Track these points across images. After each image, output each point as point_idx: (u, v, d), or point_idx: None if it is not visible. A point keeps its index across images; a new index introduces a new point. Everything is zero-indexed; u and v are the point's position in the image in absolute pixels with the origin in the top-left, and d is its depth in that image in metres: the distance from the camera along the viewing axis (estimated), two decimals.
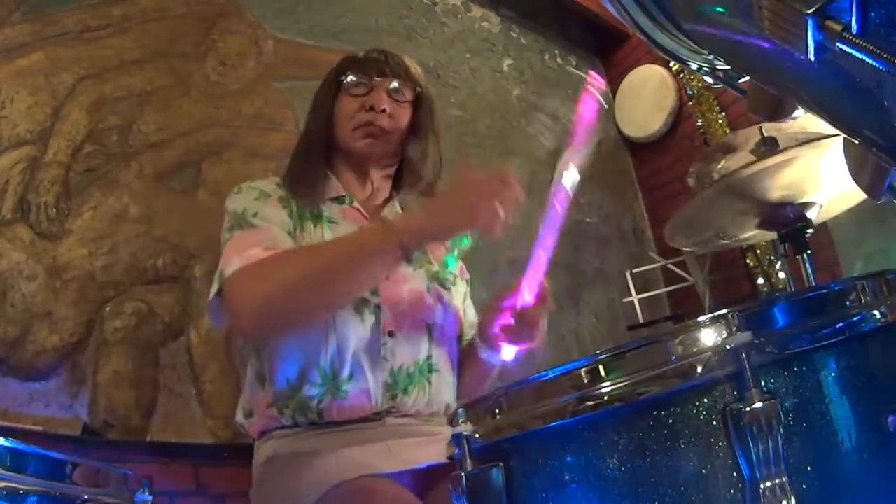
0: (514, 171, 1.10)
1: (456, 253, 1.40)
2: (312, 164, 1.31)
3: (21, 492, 0.74)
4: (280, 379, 1.17)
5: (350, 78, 1.31)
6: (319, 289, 1.08)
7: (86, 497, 0.83)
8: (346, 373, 1.16)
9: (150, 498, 0.95)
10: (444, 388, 1.27)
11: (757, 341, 0.60)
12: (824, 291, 0.69)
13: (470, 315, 1.42)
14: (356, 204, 1.32)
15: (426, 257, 1.35)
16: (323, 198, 1.29)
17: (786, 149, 1.45)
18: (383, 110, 1.28)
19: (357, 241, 1.14)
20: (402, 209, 1.39)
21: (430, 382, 1.23)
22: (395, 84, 1.32)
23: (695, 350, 0.62)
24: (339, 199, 1.31)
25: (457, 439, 0.73)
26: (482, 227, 1.07)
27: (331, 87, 1.34)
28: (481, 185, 1.09)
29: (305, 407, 1.15)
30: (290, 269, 1.09)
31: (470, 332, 1.37)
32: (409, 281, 1.28)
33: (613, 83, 3.24)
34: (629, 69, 3.15)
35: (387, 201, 1.39)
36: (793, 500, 0.56)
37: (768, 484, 0.56)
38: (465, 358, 1.35)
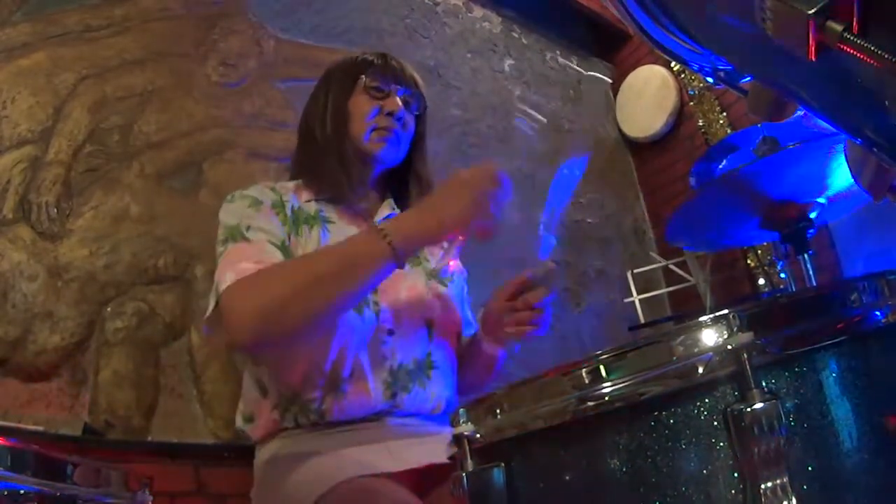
0: (499, 167, 1.10)
1: (451, 251, 1.40)
2: (338, 159, 1.29)
3: (22, 492, 0.75)
4: (282, 384, 1.17)
5: (369, 79, 1.31)
6: (312, 300, 1.05)
7: (87, 497, 0.83)
8: (346, 372, 1.16)
9: (150, 498, 0.95)
10: (443, 385, 1.27)
11: (758, 342, 0.60)
12: (825, 292, 0.70)
13: (468, 311, 1.42)
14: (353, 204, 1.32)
15: (423, 255, 1.35)
16: (353, 190, 1.29)
17: (787, 148, 1.45)
18: (400, 117, 1.29)
19: (348, 249, 1.11)
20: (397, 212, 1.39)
21: (429, 378, 1.24)
22: (409, 95, 1.33)
23: (696, 350, 0.62)
24: (334, 199, 1.31)
25: (458, 439, 0.73)
26: (475, 224, 1.07)
27: (345, 84, 1.33)
28: (468, 181, 1.08)
29: (307, 408, 1.15)
30: (283, 281, 1.07)
31: (469, 329, 1.37)
32: (407, 279, 1.28)
33: (615, 83, 3.24)
34: (630, 69, 3.15)
35: (376, 207, 1.39)
36: (793, 500, 0.56)
37: (769, 484, 0.56)
38: (467, 353, 1.35)
